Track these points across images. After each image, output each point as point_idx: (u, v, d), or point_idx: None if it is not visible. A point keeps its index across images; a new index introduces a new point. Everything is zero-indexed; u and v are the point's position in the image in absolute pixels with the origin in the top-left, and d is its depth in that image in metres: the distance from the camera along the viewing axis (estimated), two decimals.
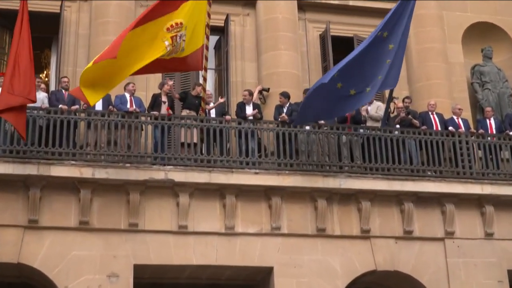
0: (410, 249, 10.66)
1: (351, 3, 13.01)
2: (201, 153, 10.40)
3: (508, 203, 11.11)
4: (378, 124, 11.20)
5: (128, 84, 10.69)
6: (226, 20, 12.28)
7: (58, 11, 11.63)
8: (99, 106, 10.34)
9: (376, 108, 11.38)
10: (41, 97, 10.30)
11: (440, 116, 11.67)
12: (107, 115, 10.21)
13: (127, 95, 10.71)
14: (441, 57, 12.90)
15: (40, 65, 13.31)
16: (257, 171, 10.28)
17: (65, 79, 10.85)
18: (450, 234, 10.81)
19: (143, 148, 10.28)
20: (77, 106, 10.34)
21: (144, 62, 9.44)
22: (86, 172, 9.75)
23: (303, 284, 10.11)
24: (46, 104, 10.33)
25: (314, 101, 10.03)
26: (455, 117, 11.75)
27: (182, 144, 10.38)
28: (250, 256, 10.14)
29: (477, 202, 11.03)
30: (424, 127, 11.31)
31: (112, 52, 9.07)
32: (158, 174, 9.96)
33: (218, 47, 12.62)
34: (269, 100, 11.82)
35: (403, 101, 11.76)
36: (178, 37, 9.75)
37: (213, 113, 11.03)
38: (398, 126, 11.35)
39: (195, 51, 10.24)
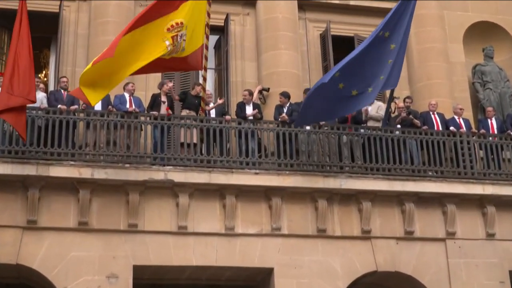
0: (411, 249, 10.63)
1: (351, 2, 12.98)
2: (201, 153, 10.38)
3: (510, 204, 11.07)
4: (379, 124, 11.16)
5: (127, 84, 10.67)
6: (226, 20, 12.25)
7: (57, 10, 11.61)
8: (98, 106, 10.30)
9: (377, 108, 11.34)
10: (40, 97, 10.27)
11: (441, 116, 11.65)
12: (106, 115, 10.18)
13: (127, 95, 10.68)
14: (442, 56, 12.86)
15: (39, 65, 13.29)
16: (257, 171, 10.26)
17: (64, 79, 10.82)
18: (451, 235, 10.78)
19: (142, 148, 10.26)
20: (76, 106, 10.31)
21: (145, 62, 9.41)
22: (85, 173, 9.72)
23: (304, 285, 10.07)
24: (45, 104, 10.30)
25: (315, 101, 9.99)
26: (456, 117, 11.72)
27: (182, 144, 10.35)
28: (250, 256, 10.11)
29: (478, 202, 11.00)
30: (425, 127, 11.28)
31: (109, 52, 9.03)
32: (158, 174, 9.93)
33: (218, 46, 12.59)
34: (269, 100, 11.79)
35: (404, 101, 11.73)
36: (178, 37, 9.73)
37: (213, 113, 11.01)
38: (399, 126, 11.31)
39: (195, 50, 10.21)
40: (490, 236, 10.89)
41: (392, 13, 10.29)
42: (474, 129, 11.66)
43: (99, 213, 9.83)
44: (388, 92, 11.32)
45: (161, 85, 10.95)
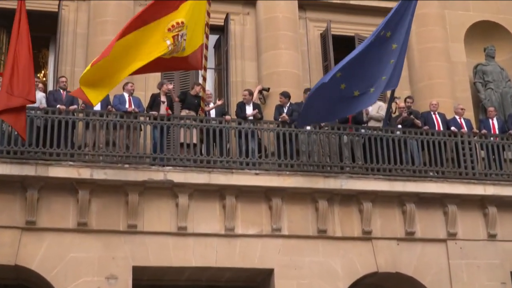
0: (412, 250, 10.60)
1: (352, 2, 12.93)
2: (201, 154, 10.34)
3: (511, 204, 11.00)
4: (380, 124, 11.13)
5: (126, 84, 10.63)
6: (226, 19, 12.22)
7: (56, 10, 11.56)
8: (97, 106, 10.25)
9: (377, 108, 11.30)
10: (39, 97, 10.23)
11: (442, 116, 11.61)
12: (106, 115, 10.14)
13: (126, 95, 10.64)
14: (443, 56, 12.82)
15: (38, 65, 13.24)
16: (257, 171, 10.22)
17: (63, 79, 10.78)
18: (452, 235, 10.75)
19: (142, 148, 10.23)
20: (75, 106, 10.28)
21: (145, 61, 9.39)
22: (84, 173, 9.68)
23: (304, 286, 10.04)
24: (44, 104, 10.27)
25: (316, 101, 9.95)
26: (457, 117, 11.68)
27: (182, 144, 10.31)
28: (250, 257, 10.07)
29: (479, 203, 10.96)
30: (426, 127, 11.25)
31: (107, 52, 9.00)
32: (157, 175, 9.89)
33: (217, 46, 12.55)
34: (269, 100, 11.75)
35: (405, 101, 11.70)
36: (179, 37, 9.72)
37: (213, 113, 10.97)
38: (399, 126, 11.28)
39: (195, 50, 10.18)
40: (492, 237, 10.86)
41: (394, 13, 10.24)
42: (475, 129, 11.63)
43: (99, 213, 9.80)
44: (389, 92, 11.26)
45: (160, 85, 10.91)
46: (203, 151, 10.37)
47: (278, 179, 10.24)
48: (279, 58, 11.94)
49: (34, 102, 9.44)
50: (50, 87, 11.76)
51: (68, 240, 9.62)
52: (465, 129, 11.40)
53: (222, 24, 12.21)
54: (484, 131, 11.48)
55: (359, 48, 10.30)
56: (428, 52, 12.79)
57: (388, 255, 10.48)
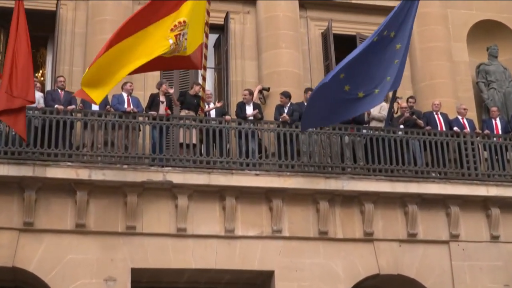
0: (414, 252, 10.53)
1: (353, 0, 12.87)
2: (200, 154, 10.28)
3: None
4: (382, 125, 11.07)
5: (125, 83, 10.57)
6: (226, 18, 12.15)
7: (54, 9, 11.50)
8: (96, 106, 10.19)
9: (379, 108, 11.22)
10: (37, 96, 10.14)
11: (444, 116, 11.55)
12: (104, 115, 10.08)
13: (125, 95, 10.58)
14: (445, 56, 12.75)
15: (35, 64, 13.12)
16: (258, 172, 10.16)
17: (61, 79, 10.71)
18: (455, 237, 10.69)
19: (140, 149, 10.17)
20: (73, 106, 10.23)
21: (147, 59, 9.31)
22: (83, 174, 9.62)
23: None
24: (41, 104, 10.22)
25: (319, 103, 9.86)
26: (460, 117, 11.62)
27: (181, 144, 10.25)
28: (251, 259, 10.01)
29: (482, 204, 10.90)
30: (428, 128, 11.18)
31: (105, 50, 8.97)
32: (156, 175, 9.83)
33: (217, 45, 12.50)
34: (269, 100, 11.68)
35: (407, 101, 11.65)
36: (181, 36, 9.68)
37: (212, 113, 10.91)
38: (402, 126, 11.22)
39: (195, 50, 10.10)
40: (495, 238, 10.80)
41: (397, 13, 10.18)
42: (478, 130, 11.56)
43: (97, 215, 9.74)
44: (390, 92, 11.18)
45: (159, 85, 10.84)
46: (202, 152, 10.31)
47: (278, 180, 10.18)
48: (280, 57, 11.87)
49: (33, 102, 9.40)
50: (48, 87, 11.73)
51: (66, 241, 9.56)
52: (468, 129, 11.34)
53: (222, 23, 12.15)
54: (487, 131, 11.43)
55: (360, 47, 10.23)
56: (430, 51, 12.72)
57: (390, 257, 10.42)
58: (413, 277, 10.41)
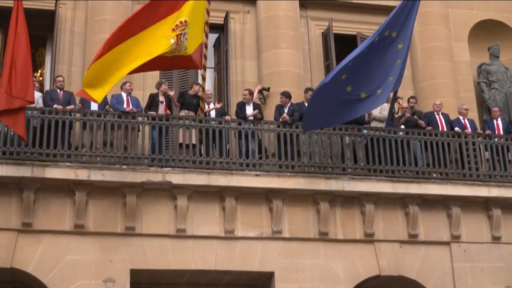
0: (415, 253, 10.49)
1: (354, 0, 12.82)
2: (200, 155, 10.24)
3: None
4: (382, 125, 11.03)
5: (125, 83, 10.54)
6: (226, 18, 12.11)
7: (53, 8, 11.46)
8: (95, 106, 10.17)
9: (380, 109, 11.18)
10: (36, 96, 10.07)
11: (446, 116, 11.51)
12: (103, 115, 10.04)
13: (124, 95, 10.54)
14: (446, 55, 12.71)
15: (34, 64, 13.04)
16: (258, 173, 10.13)
17: (60, 78, 10.67)
18: (456, 238, 10.64)
19: (140, 149, 10.11)
20: (72, 106, 10.20)
21: (147, 58, 9.29)
22: (82, 174, 9.58)
23: None
24: (40, 104, 10.18)
25: (321, 105, 9.80)
26: (461, 118, 11.58)
27: (180, 145, 10.21)
28: (250, 260, 9.97)
29: (484, 205, 10.85)
30: (429, 128, 11.14)
31: (105, 51, 8.91)
32: (156, 176, 9.79)
33: (217, 45, 12.45)
34: (269, 100, 11.64)
35: (408, 101, 11.61)
36: (182, 36, 9.64)
37: (212, 113, 10.86)
38: (402, 126, 11.18)
39: (195, 49, 10.06)
40: (496, 239, 10.75)
41: (398, 12, 10.13)
42: (479, 130, 11.53)
43: (96, 215, 9.70)
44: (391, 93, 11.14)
45: (159, 85, 10.79)
46: (202, 152, 10.26)
47: (278, 181, 10.14)
48: (280, 57, 11.83)
49: (33, 102, 9.38)
50: (46, 87, 11.68)
51: (64, 242, 9.52)
52: (469, 129, 11.30)
53: (222, 22, 12.11)
54: (488, 131, 11.38)
55: (361, 47, 10.17)
56: (431, 51, 12.68)
57: (391, 258, 10.38)
58: (414, 278, 10.36)
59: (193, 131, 10.26)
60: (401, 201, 10.57)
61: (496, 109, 11.97)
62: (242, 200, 10.09)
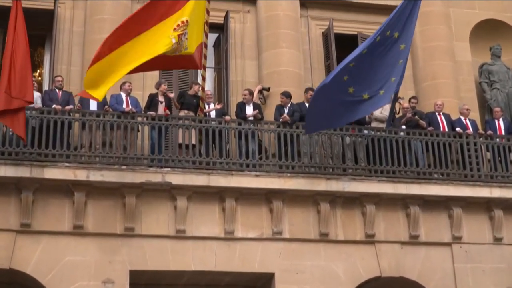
0: (416, 254, 10.46)
1: (355, 0, 12.73)
2: (200, 155, 10.20)
3: None
4: (383, 125, 11.00)
5: (124, 83, 10.51)
6: (226, 17, 12.07)
7: (52, 8, 11.43)
8: (94, 106, 10.12)
9: (381, 109, 11.12)
10: (34, 96, 10.02)
11: (447, 116, 11.48)
12: (102, 115, 10.01)
13: (123, 95, 10.51)
14: (448, 55, 12.68)
15: (33, 64, 12.99)
16: (258, 173, 10.10)
17: (59, 78, 10.64)
18: (457, 239, 10.61)
19: (139, 149, 10.08)
20: (71, 106, 10.18)
21: (148, 57, 9.27)
22: (81, 175, 9.55)
23: None
24: (39, 104, 10.14)
25: (323, 105, 9.75)
26: (462, 118, 11.55)
27: (180, 145, 10.19)
28: (251, 261, 9.93)
29: (485, 205, 10.82)
30: (430, 128, 11.10)
31: (105, 52, 8.90)
32: (155, 176, 9.76)
33: (217, 45, 12.43)
34: (269, 100, 11.61)
35: (409, 101, 11.58)
36: (183, 35, 9.63)
37: (212, 114, 10.82)
38: (403, 127, 11.14)
39: (195, 49, 10.02)
40: (498, 240, 10.71)
41: (399, 12, 10.09)
42: (481, 130, 11.51)
43: (95, 216, 9.66)
44: None
45: (158, 85, 10.76)
46: (202, 152, 10.23)
47: (279, 181, 10.10)
48: (280, 57, 11.79)
49: (32, 103, 9.35)
50: (45, 87, 11.64)
51: (63, 243, 9.49)
52: (471, 130, 11.27)
53: (222, 22, 12.08)
54: (490, 132, 11.34)
55: (361, 47, 10.13)
56: (433, 51, 12.65)
57: (392, 259, 10.34)
58: (415, 280, 10.33)
59: (193, 131, 10.23)
60: (402, 201, 10.53)
61: (497, 109, 11.93)
62: (242, 201, 10.05)
